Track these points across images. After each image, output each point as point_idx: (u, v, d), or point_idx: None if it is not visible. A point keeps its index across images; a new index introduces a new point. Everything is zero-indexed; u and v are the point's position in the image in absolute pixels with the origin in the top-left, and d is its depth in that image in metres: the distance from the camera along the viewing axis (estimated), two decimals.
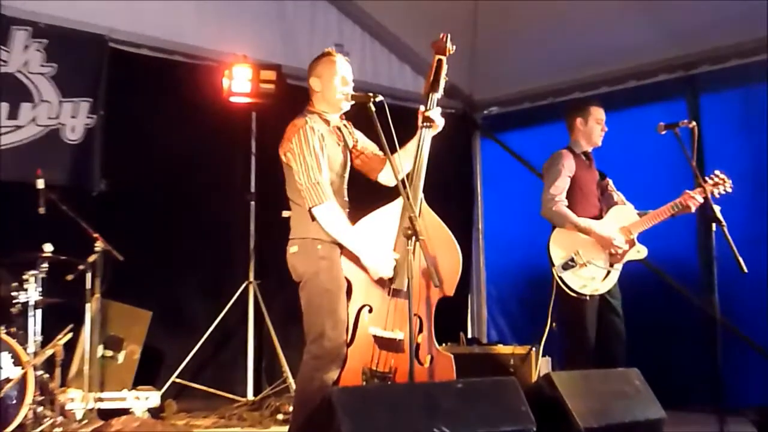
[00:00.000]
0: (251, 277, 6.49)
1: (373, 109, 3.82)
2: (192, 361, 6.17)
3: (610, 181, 5.25)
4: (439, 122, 4.07)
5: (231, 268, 6.64)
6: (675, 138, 4.71)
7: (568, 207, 4.98)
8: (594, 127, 5.14)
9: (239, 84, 6.36)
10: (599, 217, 5.06)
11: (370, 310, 3.95)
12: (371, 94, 3.88)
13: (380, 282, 3.94)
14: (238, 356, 6.55)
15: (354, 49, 7.00)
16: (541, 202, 5.03)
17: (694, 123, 4.79)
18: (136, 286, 5.85)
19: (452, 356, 3.96)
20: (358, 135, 4.21)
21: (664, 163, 6.15)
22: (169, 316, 6.15)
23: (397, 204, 4.01)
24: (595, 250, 4.92)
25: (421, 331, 3.92)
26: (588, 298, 4.87)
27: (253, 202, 6.68)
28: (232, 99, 6.42)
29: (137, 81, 6.20)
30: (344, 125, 4.17)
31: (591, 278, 4.88)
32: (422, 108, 4.07)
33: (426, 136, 4.04)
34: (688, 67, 6.55)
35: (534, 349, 5.74)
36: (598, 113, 5.16)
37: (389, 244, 3.95)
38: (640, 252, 4.99)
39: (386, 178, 4.20)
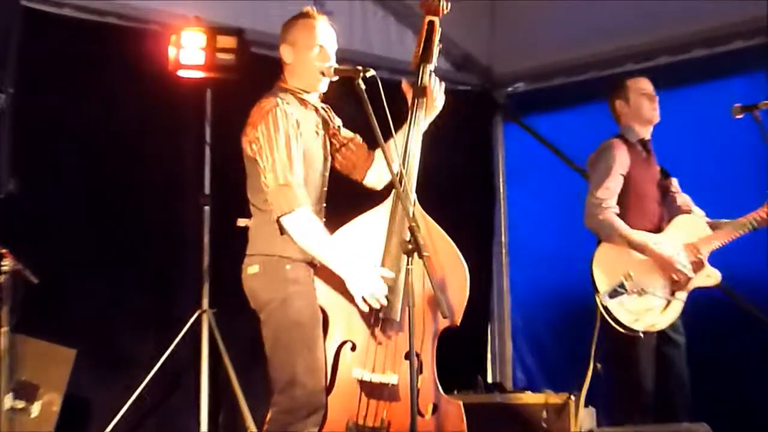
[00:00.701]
0: (205, 305, 6.47)
1: (363, 86, 3.83)
2: (129, 412, 6.13)
3: (674, 181, 5.24)
4: (438, 100, 4.08)
5: (179, 293, 6.63)
6: (755, 123, 4.72)
7: (619, 215, 4.96)
8: (640, 102, 5.17)
9: (190, 54, 6.33)
10: (659, 228, 5.05)
11: (353, 348, 3.97)
12: (360, 68, 3.89)
13: (364, 311, 3.91)
14: (188, 406, 6.53)
15: (339, 8, 6.97)
16: (585, 208, 5.02)
17: None
18: (56, 316, 5.84)
19: (461, 404, 3.97)
20: (339, 122, 4.24)
21: (742, 156, 6.14)
22: (100, 355, 6.11)
23: (384, 209, 4.01)
24: (652, 273, 4.91)
25: (420, 372, 3.92)
26: (642, 335, 4.85)
27: (207, 207, 6.65)
28: (181, 73, 6.40)
29: (58, 50, 6.16)
30: (323, 108, 4.16)
31: (646, 310, 4.88)
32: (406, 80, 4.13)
33: (420, 122, 4.05)
34: None
35: (573, 397, 5.71)
36: (638, 83, 5.22)
37: (376, 261, 3.95)
38: (710, 277, 4.99)
39: (375, 179, 4.22)
